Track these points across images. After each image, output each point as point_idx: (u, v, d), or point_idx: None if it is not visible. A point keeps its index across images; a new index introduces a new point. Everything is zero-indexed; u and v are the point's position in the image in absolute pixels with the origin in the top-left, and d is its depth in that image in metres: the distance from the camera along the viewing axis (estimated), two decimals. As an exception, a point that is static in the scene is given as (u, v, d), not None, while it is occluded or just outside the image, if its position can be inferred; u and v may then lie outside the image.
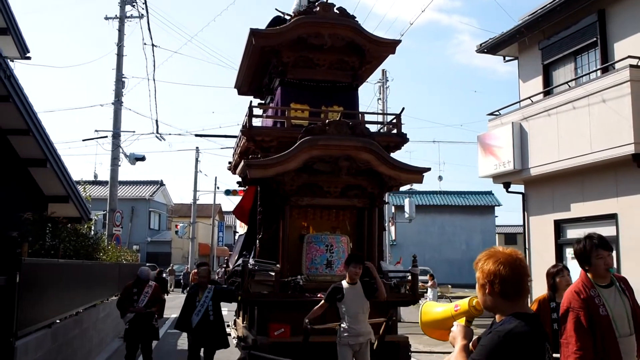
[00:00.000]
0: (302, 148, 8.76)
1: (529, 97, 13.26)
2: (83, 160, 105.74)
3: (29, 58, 13.03)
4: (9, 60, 9.50)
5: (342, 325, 6.60)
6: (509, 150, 13.25)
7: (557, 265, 5.99)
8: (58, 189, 11.61)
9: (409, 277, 9.48)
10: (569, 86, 12.29)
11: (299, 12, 10.29)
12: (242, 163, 9.09)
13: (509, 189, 14.28)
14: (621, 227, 11.13)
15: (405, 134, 10.27)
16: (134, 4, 21.79)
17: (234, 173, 12.81)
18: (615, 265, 9.57)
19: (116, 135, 20.59)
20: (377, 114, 11.37)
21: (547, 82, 13.45)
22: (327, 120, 9.24)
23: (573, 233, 12.49)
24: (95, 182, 39.20)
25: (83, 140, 22.92)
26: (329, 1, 10.37)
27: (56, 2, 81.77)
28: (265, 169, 8.80)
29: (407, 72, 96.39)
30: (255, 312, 9.18)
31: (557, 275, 5.60)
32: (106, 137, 21.28)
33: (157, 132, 21.55)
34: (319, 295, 8.17)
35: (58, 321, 7.89)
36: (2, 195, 10.02)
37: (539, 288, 13.47)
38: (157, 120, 28.96)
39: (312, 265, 9.04)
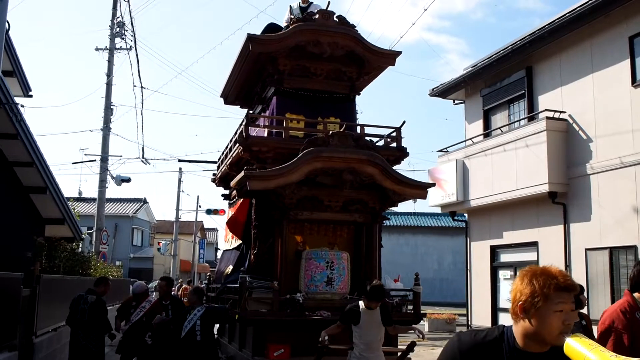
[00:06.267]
0: (305, 160, 8.35)
1: (471, 139, 15.24)
2: (69, 178, 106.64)
3: (31, 96, 14.67)
4: (20, 105, 11.00)
5: (354, 350, 6.16)
6: (453, 184, 15.17)
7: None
8: (55, 213, 13.09)
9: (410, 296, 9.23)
10: (501, 131, 14.28)
11: (297, 19, 9.87)
12: (241, 173, 8.51)
13: (455, 217, 16.18)
14: (541, 253, 13.06)
15: (405, 148, 9.90)
16: (124, 37, 23.48)
17: (219, 185, 12.44)
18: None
19: (104, 159, 22.15)
20: (378, 126, 10.43)
21: (487, 125, 15.44)
22: (330, 132, 8.85)
23: (505, 257, 14.45)
24: (80, 199, 40.38)
25: (73, 163, 24.48)
26: (328, 9, 10.02)
27: (53, 33, 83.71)
28: (266, 181, 8.34)
29: (390, 91, 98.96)
30: (250, 332, 8.60)
31: (580, 294, 5.43)
32: (94, 160, 22.86)
33: (143, 157, 23.10)
34: (319, 314, 8.08)
35: (51, 329, 9.22)
36: (8, 219, 11.60)
37: (478, 305, 15.36)
38: (143, 147, 30.54)
39: (311, 283, 8.56)
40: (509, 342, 2.20)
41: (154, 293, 10.48)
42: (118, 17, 22.92)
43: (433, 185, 9.50)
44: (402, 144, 9.92)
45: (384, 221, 9.82)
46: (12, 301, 6.34)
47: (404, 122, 10.01)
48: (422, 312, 9.19)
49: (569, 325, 2.11)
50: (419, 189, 9.17)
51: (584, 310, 6.11)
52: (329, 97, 10.21)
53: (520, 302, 2.16)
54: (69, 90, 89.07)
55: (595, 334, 4.17)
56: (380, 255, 9.40)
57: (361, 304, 6.15)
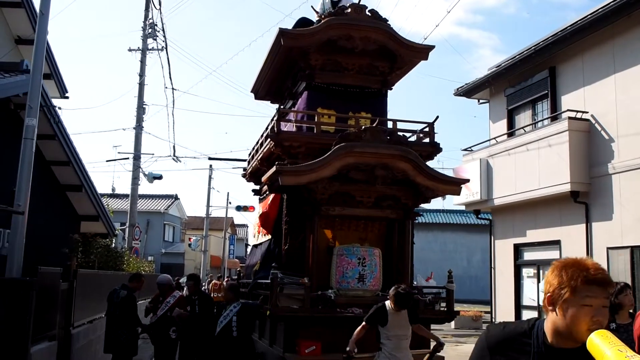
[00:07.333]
0: (337, 155, 8.24)
1: (495, 138, 15.38)
2: (102, 175, 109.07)
3: (67, 97, 15.27)
4: (57, 108, 11.54)
5: (382, 350, 6.06)
6: (477, 183, 15.33)
7: (617, 283, 5.38)
8: (90, 210, 13.68)
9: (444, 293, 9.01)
10: (524, 131, 14.39)
11: (329, 14, 9.72)
12: (273, 169, 8.43)
13: (479, 216, 16.35)
14: (563, 251, 13.18)
15: (438, 143, 9.68)
16: (156, 38, 24.02)
17: (249, 180, 12.44)
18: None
19: (137, 157, 22.76)
20: (410, 121, 10.19)
21: (511, 125, 15.55)
22: (362, 127, 8.72)
23: (528, 255, 14.58)
24: (114, 196, 41.36)
25: (107, 161, 25.39)
26: (360, 2, 9.90)
27: (87, 34, 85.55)
28: (298, 176, 8.20)
29: (418, 87, 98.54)
30: (281, 328, 8.52)
31: (620, 294, 5.23)
32: (127, 158, 23.50)
33: (174, 155, 23.66)
34: (350, 311, 8.02)
35: (87, 321, 9.83)
36: (47, 216, 12.18)
37: (503, 302, 15.52)
38: (174, 145, 31.18)
39: (343, 279, 8.45)
40: (538, 336, 2.10)
41: (185, 289, 10.86)
42: (150, 19, 23.44)
43: (467, 181, 9.28)
44: (435, 140, 9.75)
45: (416, 217, 9.69)
46: (52, 294, 6.83)
47: (437, 117, 9.80)
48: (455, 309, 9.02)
49: (597, 322, 1.95)
50: (453, 185, 9.02)
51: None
52: (360, 92, 10.06)
53: (548, 294, 2.06)
54: (103, 90, 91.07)
55: None
56: (413, 252, 9.24)
57: (387, 304, 6.08)
